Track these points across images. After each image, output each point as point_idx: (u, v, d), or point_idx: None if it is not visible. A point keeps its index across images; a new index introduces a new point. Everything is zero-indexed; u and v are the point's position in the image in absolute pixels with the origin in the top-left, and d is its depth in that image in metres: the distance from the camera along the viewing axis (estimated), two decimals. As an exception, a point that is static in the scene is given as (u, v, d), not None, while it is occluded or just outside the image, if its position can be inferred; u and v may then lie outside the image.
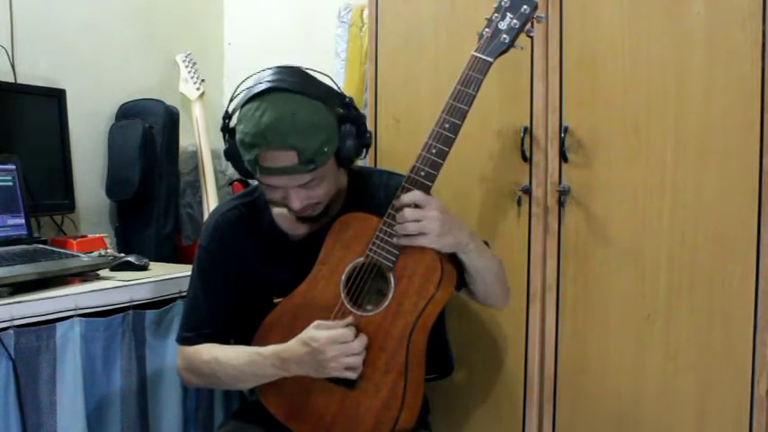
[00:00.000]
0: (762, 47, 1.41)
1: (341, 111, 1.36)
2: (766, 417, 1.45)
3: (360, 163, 2.06)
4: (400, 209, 1.30)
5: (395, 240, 1.30)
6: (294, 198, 1.34)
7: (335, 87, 1.39)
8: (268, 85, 1.30)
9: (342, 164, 1.39)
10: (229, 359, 1.39)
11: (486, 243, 1.47)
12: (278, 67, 1.35)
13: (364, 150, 1.42)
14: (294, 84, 1.31)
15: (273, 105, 1.28)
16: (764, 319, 1.44)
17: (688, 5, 1.48)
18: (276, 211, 1.48)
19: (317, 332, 1.29)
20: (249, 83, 1.35)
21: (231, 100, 1.38)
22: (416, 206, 1.29)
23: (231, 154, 1.39)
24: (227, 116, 1.40)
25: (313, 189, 1.34)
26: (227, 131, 1.39)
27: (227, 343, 1.47)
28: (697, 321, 1.50)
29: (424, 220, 1.28)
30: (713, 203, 1.48)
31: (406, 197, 1.30)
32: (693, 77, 1.48)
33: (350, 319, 1.32)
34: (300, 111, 1.28)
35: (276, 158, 1.28)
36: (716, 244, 1.48)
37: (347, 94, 1.40)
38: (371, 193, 1.48)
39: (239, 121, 1.33)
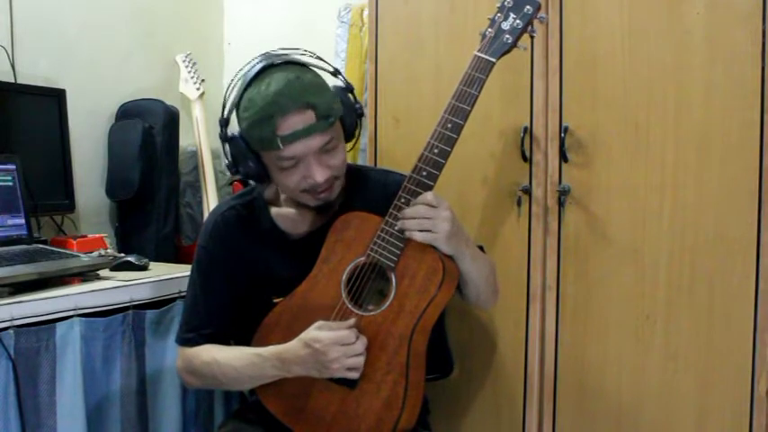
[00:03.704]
0: (762, 47, 1.41)
1: (333, 83, 1.39)
2: (766, 417, 1.45)
3: (360, 161, 2.08)
4: (403, 207, 1.30)
5: (406, 234, 1.30)
6: (316, 168, 1.33)
7: (322, 61, 1.41)
8: (261, 65, 1.32)
9: (346, 135, 1.40)
10: (229, 361, 1.39)
11: (481, 247, 1.48)
12: (260, 54, 1.37)
13: (359, 122, 1.42)
14: (285, 58, 1.34)
15: (276, 76, 1.30)
16: (764, 319, 1.44)
17: (688, 5, 1.48)
18: (275, 210, 1.48)
19: (320, 333, 1.29)
20: (238, 77, 1.36)
21: (224, 106, 1.38)
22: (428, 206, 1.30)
23: (239, 155, 1.37)
24: (225, 122, 1.39)
25: (331, 155, 1.35)
26: (228, 140, 1.38)
27: (228, 343, 1.46)
28: (697, 321, 1.50)
29: (437, 219, 1.29)
30: (713, 203, 1.48)
31: (420, 198, 1.30)
32: (693, 77, 1.49)
33: (352, 321, 1.32)
34: (302, 74, 1.32)
35: (295, 121, 1.29)
36: (716, 244, 1.48)
37: (332, 65, 1.43)
38: (370, 191, 1.48)
39: (243, 110, 1.33)
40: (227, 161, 1.41)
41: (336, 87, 1.39)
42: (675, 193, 1.51)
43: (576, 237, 1.62)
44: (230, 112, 1.38)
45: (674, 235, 1.52)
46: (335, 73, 1.43)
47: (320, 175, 1.33)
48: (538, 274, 1.66)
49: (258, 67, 1.32)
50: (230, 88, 1.38)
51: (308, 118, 1.29)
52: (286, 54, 1.37)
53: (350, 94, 1.41)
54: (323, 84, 1.35)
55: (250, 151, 1.36)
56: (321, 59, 1.42)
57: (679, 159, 1.51)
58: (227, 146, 1.39)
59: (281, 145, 1.29)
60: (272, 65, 1.32)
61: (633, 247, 1.56)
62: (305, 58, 1.37)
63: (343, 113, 1.37)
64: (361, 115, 1.42)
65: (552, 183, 1.64)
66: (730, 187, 1.46)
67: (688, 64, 1.49)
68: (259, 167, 1.37)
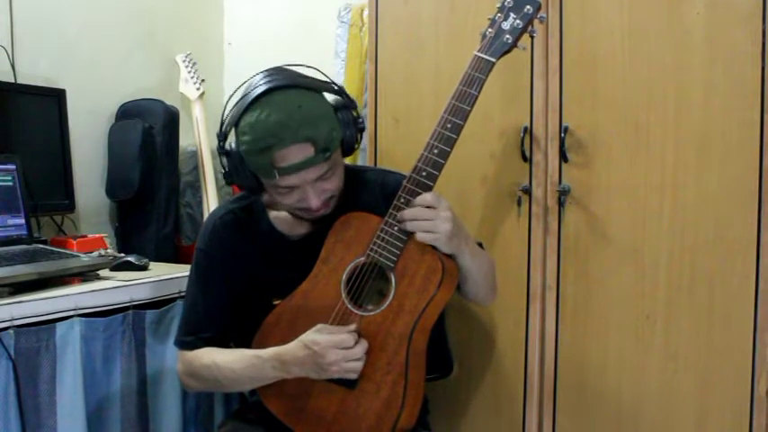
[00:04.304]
0: (762, 47, 1.41)
1: (334, 99, 1.38)
2: (766, 417, 1.45)
3: (360, 161, 2.08)
4: (403, 207, 1.30)
5: (409, 231, 1.30)
6: (312, 195, 1.33)
7: (324, 77, 1.39)
8: (263, 88, 1.29)
9: (345, 152, 1.39)
10: (229, 363, 1.39)
11: (480, 244, 1.48)
12: (264, 70, 1.35)
13: (360, 136, 1.41)
14: (288, 79, 1.32)
15: (276, 104, 1.28)
16: (764, 319, 1.44)
17: (688, 5, 1.48)
18: (273, 213, 1.48)
19: (319, 336, 1.29)
20: (238, 95, 1.34)
21: (222, 123, 1.36)
22: (428, 206, 1.30)
23: (235, 171, 1.36)
24: (224, 136, 1.38)
25: (328, 181, 1.34)
26: (225, 153, 1.37)
27: (227, 346, 1.46)
28: (697, 321, 1.50)
29: (437, 220, 1.29)
30: (713, 203, 1.48)
31: (419, 198, 1.30)
32: (693, 77, 1.49)
33: (353, 326, 1.32)
34: (304, 103, 1.29)
35: (293, 155, 1.28)
36: (716, 244, 1.48)
37: (336, 82, 1.40)
38: (367, 191, 1.48)
39: (242, 133, 1.31)
40: (223, 170, 1.40)
41: (337, 103, 1.37)
42: (675, 193, 1.51)
43: (576, 237, 1.62)
44: (228, 128, 1.36)
45: (674, 235, 1.52)
46: (340, 92, 1.39)
47: (315, 202, 1.34)
48: (538, 274, 1.66)
49: (260, 89, 1.29)
50: (229, 103, 1.35)
51: (306, 152, 1.28)
52: (290, 71, 1.34)
53: (352, 111, 1.38)
54: (324, 112, 1.32)
55: (247, 169, 1.35)
56: (324, 74, 1.40)
57: (679, 159, 1.51)
58: (224, 158, 1.38)
59: (277, 176, 1.29)
60: (274, 89, 1.29)
61: (633, 247, 1.56)
62: (307, 77, 1.34)
63: (343, 130, 1.35)
64: (363, 129, 1.40)
65: (552, 183, 1.64)
66: (730, 187, 1.46)
67: (688, 64, 1.49)
68: (255, 183, 1.37)
